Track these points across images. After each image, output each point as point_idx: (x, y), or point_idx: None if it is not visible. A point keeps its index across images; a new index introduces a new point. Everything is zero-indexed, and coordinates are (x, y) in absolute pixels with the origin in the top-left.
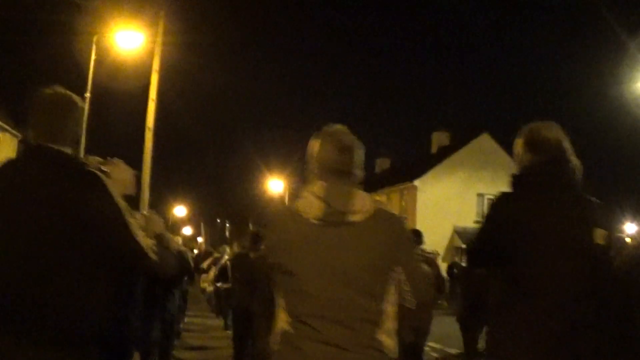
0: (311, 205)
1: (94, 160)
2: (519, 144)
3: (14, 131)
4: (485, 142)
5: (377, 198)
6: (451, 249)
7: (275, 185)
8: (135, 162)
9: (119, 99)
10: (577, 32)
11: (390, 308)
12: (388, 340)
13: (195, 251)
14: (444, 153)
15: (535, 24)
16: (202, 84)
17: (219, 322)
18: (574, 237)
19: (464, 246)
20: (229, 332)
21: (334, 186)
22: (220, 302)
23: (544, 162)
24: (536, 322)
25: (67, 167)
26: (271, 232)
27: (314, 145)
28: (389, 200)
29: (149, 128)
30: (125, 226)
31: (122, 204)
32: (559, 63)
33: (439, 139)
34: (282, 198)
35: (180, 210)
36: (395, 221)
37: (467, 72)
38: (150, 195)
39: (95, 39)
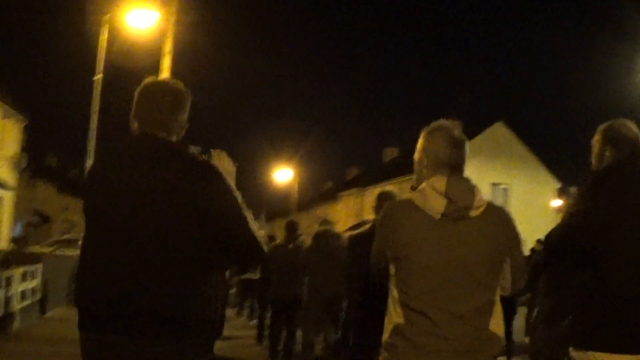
0: (434, 200)
1: (195, 151)
2: (598, 142)
3: (19, 116)
4: (499, 130)
5: (389, 188)
6: None
7: (283, 174)
8: None
9: (130, 81)
10: (593, 21)
11: (497, 298)
12: (497, 329)
13: None
14: None
15: (550, 13)
16: (214, 66)
17: (231, 311)
18: None
19: None
20: (253, 322)
21: (455, 182)
22: (241, 292)
23: (625, 157)
24: (627, 313)
25: (180, 157)
26: (389, 226)
27: (427, 140)
28: (400, 190)
29: None
30: (244, 219)
31: (239, 196)
32: (574, 53)
33: None
34: (290, 187)
35: None
36: (505, 215)
37: (480, 61)
38: None
39: (106, 18)
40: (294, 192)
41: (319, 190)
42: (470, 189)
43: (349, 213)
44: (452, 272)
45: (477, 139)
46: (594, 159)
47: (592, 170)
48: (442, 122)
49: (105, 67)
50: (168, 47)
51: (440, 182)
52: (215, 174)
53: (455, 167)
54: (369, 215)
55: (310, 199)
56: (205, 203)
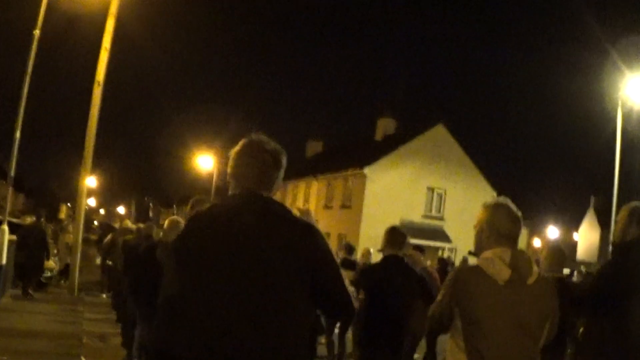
0: (500, 270)
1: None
2: (625, 218)
3: None
4: (439, 133)
5: (300, 208)
6: None
7: (204, 161)
8: (78, 119)
9: (70, 45)
10: (542, 25)
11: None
12: None
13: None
14: (395, 141)
15: (498, 16)
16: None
17: None
18: None
19: (412, 241)
20: None
21: (519, 255)
22: None
23: None
24: (632, 352)
25: (288, 217)
26: (462, 288)
27: (490, 214)
28: (329, 187)
29: (98, 82)
30: (340, 277)
31: (332, 257)
32: (518, 58)
33: (385, 126)
34: (210, 175)
35: (91, 181)
36: (550, 282)
37: (418, 60)
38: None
39: None
40: (214, 181)
41: None
42: (529, 261)
43: None
44: (512, 329)
45: (416, 141)
46: (618, 233)
47: (615, 242)
48: (502, 199)
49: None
50: (113, 8)
51: (506, 254)
52: (318, 234)
53: (515, 239)
54: (294, 211)
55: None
56: (313, 262)
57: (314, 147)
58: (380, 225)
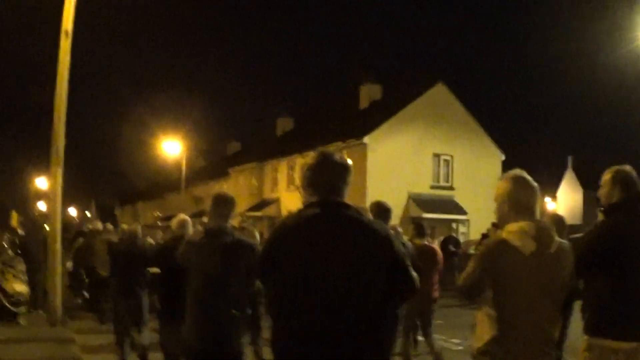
0: (526, 243)
1: None
2: (609, 181)
3: None
4: (440, 93)
5: (283, 164)
6: (407, 219)
7: (170, 147)
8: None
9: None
10: None
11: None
12: (557, 333)
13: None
14: (391, 106)
15: None
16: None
17: None
18: None
19: (423, 215)
20: None
21: (542, 227)
22: None
23: (630, 196)
24: (634, 305)
25: (362, 221)
26: (491, 260)
27: (508, 187)
28: (290, 168)
29: (65, 32)
30: (408, 267)
31: (402, 249)
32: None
33: (370, 92)
34: (179, 161)
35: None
36: (568, 248)
37: (399, 15)
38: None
39: None
40: (183, 170)
41: (208, 164)
42: (550, 231)
43: (243, 190)
44: (537, 296)
45: (416, 103)
46: (604, 196)
47: (602, 205)
48: (518, 171)
49: None
50: None
51: (530, 227)
52: (391, 236)
53: (533, 210)
54: (271, 193)
55: (194, 175)
56: (390, 261)
57: (284, 124)
58: (388, 201)
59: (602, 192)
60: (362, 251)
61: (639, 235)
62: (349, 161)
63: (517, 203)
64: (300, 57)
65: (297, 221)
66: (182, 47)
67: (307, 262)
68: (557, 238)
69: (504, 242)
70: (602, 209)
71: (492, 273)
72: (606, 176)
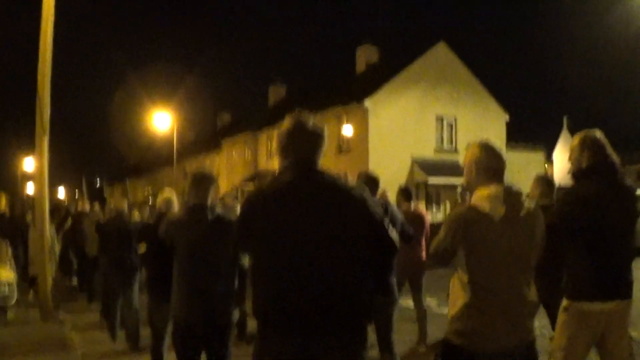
0: (495, 208)
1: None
2: (577, 146)
3: None
4: (441, 52)
5: (274, 134)
6: (412, 184)
7: (160, 119)
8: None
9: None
10: None
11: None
12: (534, 296)
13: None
14: (390, 67)
15: None
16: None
17: None
18: (624, 211)
19: (429, 180)
20: None
21: (510, 192)
22: None
23: (599, 161)
24: (604, 268)
25: (338, 185)
26: (462, 227)
27: (476, 153)
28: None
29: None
30: (384, 228)
31: (379, 210)
32: None
33: (367, 54)
34: (169, 134)
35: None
36: (537, 212)
37: None
38: None
39: None
40: (175, 143)
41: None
42: (520, 195)
43: (237, 162)
44: (509, 259)
45: (417, 64)
46: (574, 162)
47: (572, 170)
48: (484, 139)
49: None
50: None
51: (499, 191)
52: (367, 200)
53: (501, 175)
54: (267, 164)
55: (185, 149)
56: (370, 221)
57: (276, 92)
58: (391, 166)
59: (572, 158)
60: (337, 214)
61: (608, 200)
62: (323, 128)
63: (487, 168)
64: (291, 21)
65: (272, 187)
66: (170, 14)
67: (284, 227)
68: (527, 202)
69: (473, 209)
70: (572, 174)
71: (463, 240)
72: (574, 141)
